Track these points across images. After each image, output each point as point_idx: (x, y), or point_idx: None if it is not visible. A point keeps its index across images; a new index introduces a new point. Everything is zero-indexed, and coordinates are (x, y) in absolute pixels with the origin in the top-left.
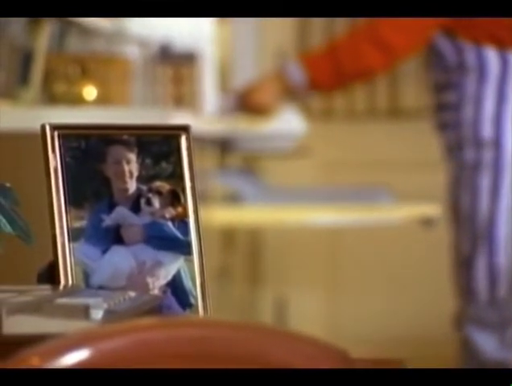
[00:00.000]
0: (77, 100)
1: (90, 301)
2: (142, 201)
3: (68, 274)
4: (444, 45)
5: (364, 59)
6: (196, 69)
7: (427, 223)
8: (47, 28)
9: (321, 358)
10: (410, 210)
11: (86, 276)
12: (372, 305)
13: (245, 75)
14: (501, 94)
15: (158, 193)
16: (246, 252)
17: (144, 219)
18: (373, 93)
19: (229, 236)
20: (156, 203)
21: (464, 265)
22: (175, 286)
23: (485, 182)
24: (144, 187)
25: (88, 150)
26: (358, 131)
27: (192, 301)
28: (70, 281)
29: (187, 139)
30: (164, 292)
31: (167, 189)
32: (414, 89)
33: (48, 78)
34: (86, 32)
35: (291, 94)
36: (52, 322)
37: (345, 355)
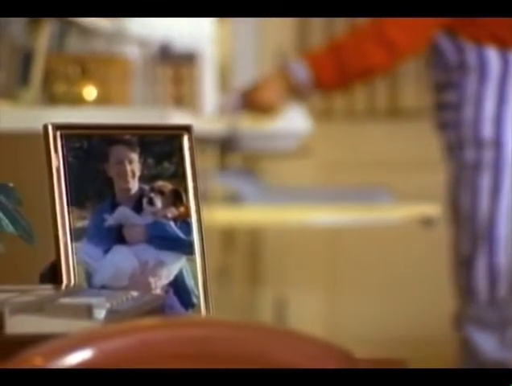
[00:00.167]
0: (77, 100)
1: (93, 300)
2: (145, 201)
3: (70, 274)
4: (446, 44)
5: (367, 56)
6: (195, 69)
7: (426, 223)
8: (47, 28)
9: (324, 358)
10: (410, 210)
11: (88, 275)
12: (372, 305)
13: (245, 75)
14: (502, 94)
15: (161, 193)
16: (246, 252)
17: (146, 218)
18: (373, 93)
19: (228, 236)
20: (158, 202)
21: (464, 265)
22: (178, 286)
23: (485, 182)
24: (146, 187)
25: (90, 150)
26: (358, 131)
27: (194, 300)
28: (72, 281)
29: (190, 139)
30: (166, 292)
31: (170, 189)
32: (413, 89)
33: (48, 78)
34: (86, 32)
35: (294, 93)
36: (55, 322)
37: (348, 355)
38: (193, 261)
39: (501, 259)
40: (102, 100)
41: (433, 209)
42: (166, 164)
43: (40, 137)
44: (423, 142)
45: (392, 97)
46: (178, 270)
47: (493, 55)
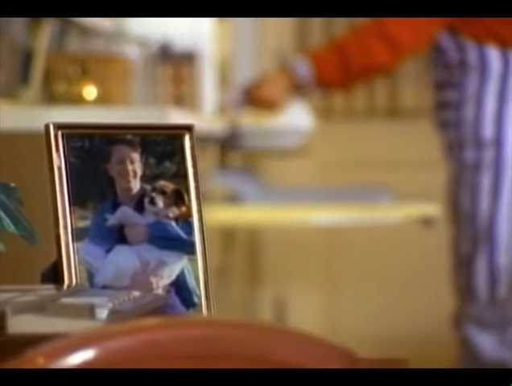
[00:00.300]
0: (77, 100)
1: (95, 300)
2: (146, 200)
3: (71, 274)
4: (447, 43)
5: (370, 54)
6: (195, 69)
7: (426, 222)
8: (47, 28)
9: (328, 358)
10: (410, 209)
11: (90, 275)
12: (371, 305)
13: (244, 74)
14: (503, 94)
15: (162, 192)
16: (246, 251)
17: (148, 218)
18: (373, 93)
19: (228, 235)
20: (160, 202)
21: (464, 265)
22: (179, 286)
23: (485, 181)
24: (148, 187)
25: (91, 150)
26: (358, 131)
27: (196, 300)
28: (74, 281)
29: (191, 138)
30: (168, 291)
31: (171, 188)
32: (413, 89)
33: (48, 78)
34: (86, 32)
35: (297, 90)
36: (57, 322)
37: (351, 355)
38: (195, 261)
39: (502, 259)
40: (102, 100)
41: (433, 209)
42: (167, 164)
43: (40, 137)
44: (422, 142)
45: (392, 97)
46: (179, 270)
47: (494, 55)
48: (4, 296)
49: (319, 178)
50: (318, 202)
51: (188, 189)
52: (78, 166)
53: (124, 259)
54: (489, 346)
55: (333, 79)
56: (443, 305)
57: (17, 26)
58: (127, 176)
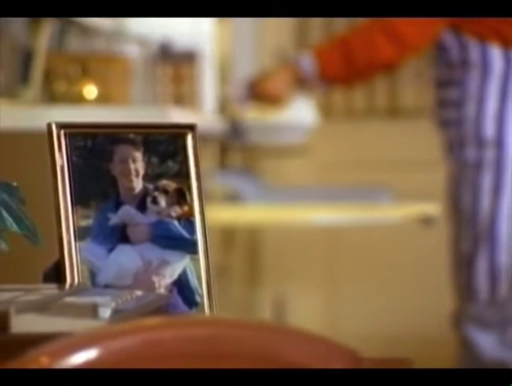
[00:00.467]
0: (77, 100)
1: (98, 299)
2: (149, 200)
3: (74, 273)
4: (449, 41)
5: (375, 49)
6: (195, 68)
7: (426, 221)
8: (48, 28)
9: (332, 357)
10: (410, 209)
11: (92, 275)
12: (371, 305)
13: (244, 74)
14: (504, 92)
15: (165, 192)
16: (246, 251)
17: (150, 218)
18: (373, 92)
19: (228, 235)
20: (162, 201)
21: (464, 264)
22: (181, 285)
23: (486, 181)
24: (150, 186)
25: (94, 149)
26: (357, 130)
27: (198, 299)
28: (76, 280)
29: (194, 138)
30: (170, 291)
31: (174, 188)
32: (413, 88)
33: (48, 77)
34: (86, 31)
35: (301, 85)
36: (61, 321)
37: (355, 355)
38: (197, 260)
39: (502, 258)
40: (102, 99)
41: (433, 208)
42: (170, 163)
43: (40, 136)
44: (422, 141)
45: (391, 96)
46: (182, 269)
47: (496, 53)
48: (7, 295)
49: (319, 177)
50: (318, 202)
51: (191, 188)
52: (80, 166)
53: (126, 258)
54: (489, 346)
55: (337, 74)
56: (443, 304)
57: (17, 26)
58: (130, 175)
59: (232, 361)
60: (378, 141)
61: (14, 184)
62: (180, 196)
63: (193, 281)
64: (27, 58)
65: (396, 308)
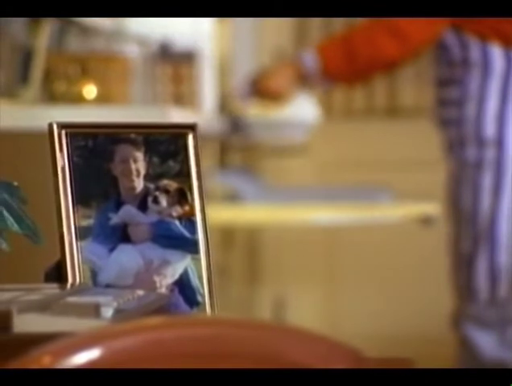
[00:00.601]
0: (77, 99)
1: (100, 299)
2: (150, 199)
3: (75, 273)
4: (450, 39)
5: (378, 46)
6: (195, 68)
7: (426, 221)
8: (47, 27)
9: (334, 357)
10: (409, 209)
11: (93, 274)
12: (371, 304)
13: (244, 74)
14: (505, 92)
15: (166, 191)
16: (245, 250)
17: (151, 217)
18: (372, 92)
19: (228, 234)
20: (163, 201)
21: (464, 264)
22: (183, 285)
23: (486, 180)
24: (151, 186)
25: (95, 149)
26: (357, 130)
27: (200, 299)
28: (78, 280)
29: (195, 137)
30: (171, 290)
31: (175, 187)
32: (412, 88)
33: (48, 77)
34: (86, 31)
35: (304, 82)
36: (63, 321)
37: (357, 354)
38: (198, 260)
39: (502, 258)
40: (102, 99)
41: (432, 208)
42: (171, 163)
43: (41, 136)
44: (422, 141)
45: (391, 96)
46: (183, 269)
47: (497, 52)
48: (8, 295)
49: (318, 177)
50: (317, 201)
51: (192, 188)
52: (81, 166)
53: (127, 258)
54: (489, 346)
55: (339, 71)
56: (443, 304)
57: (17, 26)
58: (131, 175)
59: (233, 361)
60: (378, 141)
61: (15, 184)
62: (181, 196)
63: (194, 281)
64: (27, 58)
65: (396, 308)
